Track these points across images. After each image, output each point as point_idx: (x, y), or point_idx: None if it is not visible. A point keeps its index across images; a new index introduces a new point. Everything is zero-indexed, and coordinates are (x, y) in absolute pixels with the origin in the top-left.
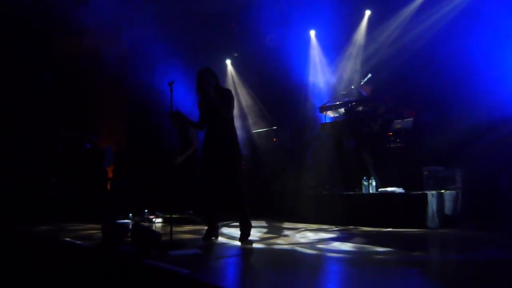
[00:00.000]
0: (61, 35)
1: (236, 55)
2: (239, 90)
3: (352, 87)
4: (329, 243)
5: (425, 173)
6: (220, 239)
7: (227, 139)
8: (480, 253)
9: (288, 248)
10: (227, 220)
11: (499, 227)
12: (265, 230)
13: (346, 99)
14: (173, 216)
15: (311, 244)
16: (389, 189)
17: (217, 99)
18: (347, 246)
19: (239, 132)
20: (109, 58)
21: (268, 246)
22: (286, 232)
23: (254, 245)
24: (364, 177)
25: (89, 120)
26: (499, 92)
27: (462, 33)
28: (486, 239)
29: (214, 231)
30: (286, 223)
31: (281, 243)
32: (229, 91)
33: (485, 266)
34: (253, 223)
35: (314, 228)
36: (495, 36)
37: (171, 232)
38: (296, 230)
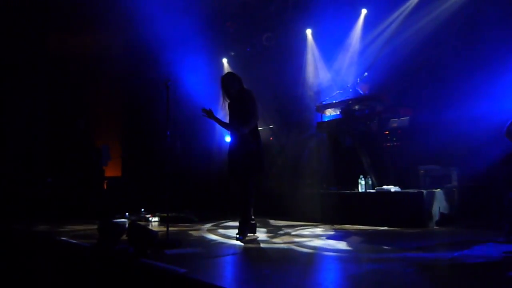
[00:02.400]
0: (58, 32)
1: (232, 54)
2: None
3: (349, 85)
4: (325, 242)
5: (421, 171)
6: (216, 238)
7: (246, 141)
8: (474, 252)
9: (284, 246)
10: (224, 219)
11: (495, 225)
12: (261, 228)
13: (342, 97)
14: (169, 215)
15: (307, 243)
16: (385, 187)
17: (231, 126)
18: (343, 245)
19: None
20: (105, 57)
21: (264, 245)
22: (282, 231)
23: (250, 244)
24: (361, 176)
25: (85, 119)
26: (496, 91)
27: (459, 32)
28: (482, 238)
29: (250, 228)
30: (282, 222)
31: (277, 241)
32: (250, 93)
33: (479, 265)
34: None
35: (310, 226)
36: (492, 35)
37: (167, 231)
38: (293, 229)
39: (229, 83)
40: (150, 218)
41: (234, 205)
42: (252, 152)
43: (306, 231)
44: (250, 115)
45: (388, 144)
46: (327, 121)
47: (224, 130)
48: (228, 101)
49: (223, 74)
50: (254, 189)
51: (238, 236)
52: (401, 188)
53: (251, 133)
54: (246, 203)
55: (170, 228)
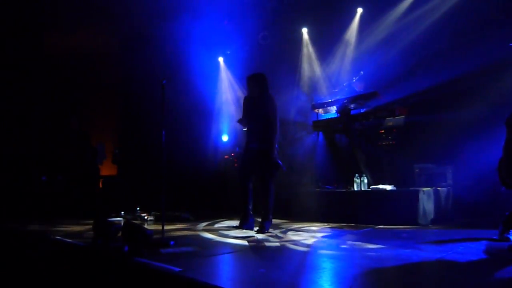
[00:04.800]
0: (52, 29)
1: (228, 52)
2: (231, 87)
3: (344, 84)
4: (321, 240)
5: (417, 170)
6: (212, 236)
7: (263, 139)
8: (469, 250)
9: (280, 245)
10: (220, 218)
11: (490, 223)
12: (257, 227)
13: (338, 96)
14: (165, 213)
15: (302, 241)
16: (380, 186)
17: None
18: (338, 243)
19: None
20: (101, 55)
21: (260, 244)
22: (278, 230)
23: (246, 242)
24: (356, 174)
25: (82, 117)
26: (492, 91)
27: (456, 31)
28: (476, 236)
29: (247, 222)
30: (278, 221)
31: (272, 240)
32: (272, 99)
33: (474, 263)
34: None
35: (306, 225)
36: (488, 34)
37: (162, 230)
38: (288, 227)
39: (250, 84)
40: (146, 217)
41: (237, 204)
42: (274, 153)
43: (301, 230)
44: (273, 123)
45: (384, 143)
46: (323, 119)
47: (220, 130)
48: (248, 97)
49: (252, 73)
50: (273, 186)
51: (258, 229)
52: (397, 187)
53: (270, 131)
54: (269, 200)
55: (166, 227)
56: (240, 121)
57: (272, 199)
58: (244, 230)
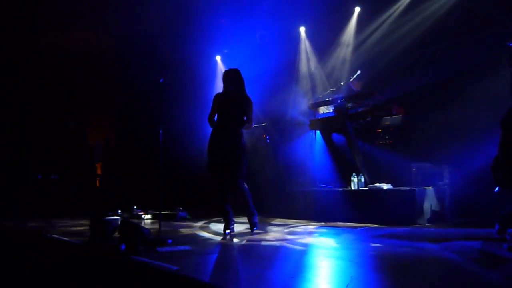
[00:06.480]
0: (50, 28)
1: (226, 51)
2: None
3: (342, 83)
4: (318, 239)
5: (414, 169)
6: (209, 235)
7: (234, 136)
8: (465, 249)
9: (277, 244)
10: (216, 217)
11: (486, 223)
12: (250, 226)
13: (335, 95)
14: (162, 212)
15: (299, 240)
16: (377, 185)
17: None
18: (335, 242)
19: None
20: (98, 53)
21: (257, 242)
22: (275, 228)
23: (243, 241)
24: (353, 173)
25: (78, 115)
26: (489, 91)
27: (453, 31)
28: (472, 235)
29: (229, 223)
30: (275, 219)
31: (269, 239)
32: (250, 100)
33: (469, 262)
34: (243, 219)
35: (302, 224)
36: (485, 34)
37: (159, 229)
38: (285, 226)
39: (230, 79)
40: (143, 216)
41: (235, 203)
42: (245, 153)
43: (298, 229)
44: (251, 122)
45: (381, 142)
46: (320, 118)
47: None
48: (221, 94)
49: (229, 68)
50: (244, 181)
51: (251, 228)
52: (394, 186)
53: (240, 129)
54: (247, 197)
55: (163, 226)
56: (211, 120)
57: (250, 195)
58: (236, 231)
